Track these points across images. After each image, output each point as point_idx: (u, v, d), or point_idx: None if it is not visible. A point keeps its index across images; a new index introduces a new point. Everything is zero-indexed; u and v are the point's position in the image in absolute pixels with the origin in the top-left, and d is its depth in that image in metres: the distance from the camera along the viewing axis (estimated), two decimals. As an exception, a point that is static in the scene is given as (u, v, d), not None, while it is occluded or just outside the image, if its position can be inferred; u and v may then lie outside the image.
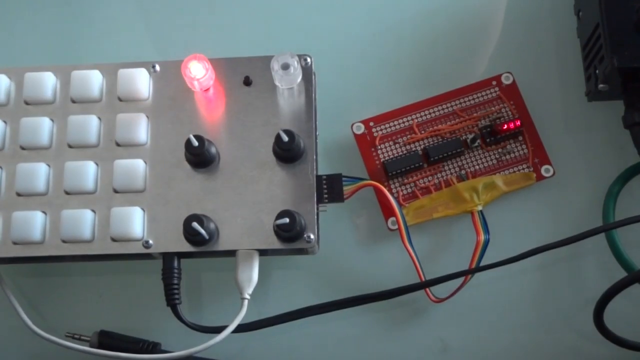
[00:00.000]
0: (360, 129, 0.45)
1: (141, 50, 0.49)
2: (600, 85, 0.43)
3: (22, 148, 0.42)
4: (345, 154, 0.45)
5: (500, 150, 0.45)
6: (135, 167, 0.41)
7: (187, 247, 0.40)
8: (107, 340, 0.42)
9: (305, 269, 0.44)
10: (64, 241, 0.40)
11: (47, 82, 0.42)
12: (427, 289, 0.42)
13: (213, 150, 0.41)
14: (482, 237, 0.42)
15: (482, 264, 0.42)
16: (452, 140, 0.44)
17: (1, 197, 0.41)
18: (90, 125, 0.42)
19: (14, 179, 0.41)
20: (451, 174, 0.44)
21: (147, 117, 0.42)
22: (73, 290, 0.45)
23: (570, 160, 0.45)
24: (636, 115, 0.43)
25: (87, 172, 0.41)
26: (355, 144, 0.45)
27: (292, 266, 0.44)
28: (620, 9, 0.42)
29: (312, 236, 0.40)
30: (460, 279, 0.41)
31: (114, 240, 0.40)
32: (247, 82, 0.42)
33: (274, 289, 0.44)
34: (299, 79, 0.42)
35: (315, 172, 0.41)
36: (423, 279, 0.42)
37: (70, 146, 0.42)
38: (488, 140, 0.45)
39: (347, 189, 0.42)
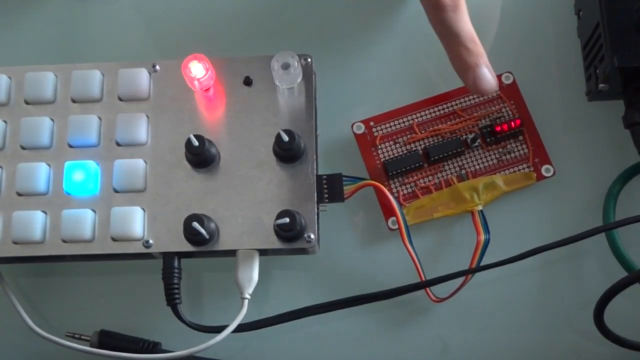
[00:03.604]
0: (360, 129, 0.45)
1: (141, 50, 0.49)
2: (601, 85, 0.43)
3: (23, 148, 0.42)
4: (345, 153, 0.45)
5: (500, 150, 0.45)
6: (136, 167, 0.41)
7: (187, 247, 0.40)
8: (108, 339, 0.42)
9: (305, 269, 0.44)
10: (64, 241, 0.40)
11: (48, 82, 0.42)
12: (427, 289, 0.42)
13: (213, 150, 0.41)
14: (482, 237, 0.42)
15: (482, 263, 0.42)
16: (453, 140, 0.44)
17: (1, 196, 0.41)
18: (90, 125, 0.42)
19: (14, 179, 0.41)
20: (451, 173, 0.45)
21: (148, 117, 0.42)
22: (73, 290, 0.45)
23: (571, 160, 0.45)
24: (636, 115, 0.43)
25: (88, 171, 0.41)
26: (355, 143, 0.45)
27: (292, 266, 0.44)
28: (621, 8, 0.42)
29: (312, 236, 0.40)
30: (461, 279, 0.41)
31: (114, 240, 0.40)
32: (247, 82, 0.42)
33: (274, 289, 0.44)
34: (299, 78, 0.42)
35: (315, 171, 0.41)
36: (423, 279, 0.42)
37: (70, 146, 0.42)
38: (488, 140, 0.45)
39: (347, 188, 0.42)
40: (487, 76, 0.40)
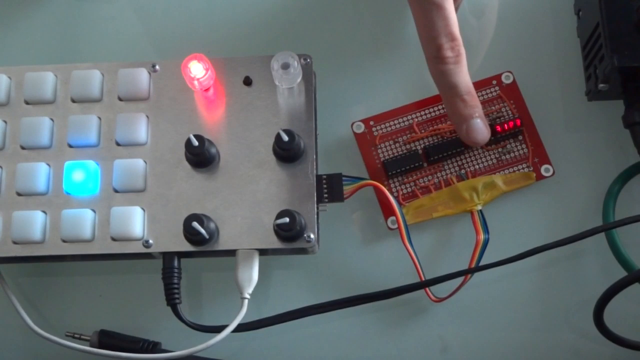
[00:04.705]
0: (360, 128, 0.45)
1: (141, 50, 0.49)
2: (601, 85, 0.43)
3: (23, 148, 0.42)
4: (345, 153, 0.45)
5: (500, 149, 0.45)
6: (136, 167, 0.41)
7: (187, 247, 0.40)
8: (107, 339, 0.42)
9: (305, 268, 0.44)
10: (64, 241, 0.40)
11: (47, 82, 0.43)
12: (427, 289, 0.42)
13: (213, 150, 0.41)
14: (481, 237, 0.42)
15: (481, 263, 0.42)
16: (452, 139, 0.44)
17: (1, 196, 0.41)
18: (90, 125, 0.42)
19: (14, 179, 0.41)
20: (451, 173, 0.45)
21: (147, 116, 0.42)
22: (73, 290, 0.45)
23: (570, 160, 0.45)
24: (636, 114, 0.43)
25: (87, 171, 0.41)
26: (355, 143, 0.45)
27: (292, 266, 0.44)
28: (620, 8, 0.42)
29: (312, 236, 0.40)
30: (460, 279, 0.41)
31: (114, 239, 0.40)
32: (247, 81, 0.43)
33: (274, 288, 0.44)
34: (299, 78, 0.42)
35: (315, 171, 0.41)
36: (423, 279, 0.42)
37: (70, 146, 0.42)
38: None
39: (347, 188, 0.42)
40: (481, 128, 0.42)
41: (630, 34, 0.41)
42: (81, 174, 0.41)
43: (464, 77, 0.41)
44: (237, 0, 0.49)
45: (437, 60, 0.40)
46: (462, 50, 0.41)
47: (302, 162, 0.41)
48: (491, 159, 0.45)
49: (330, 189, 0.41)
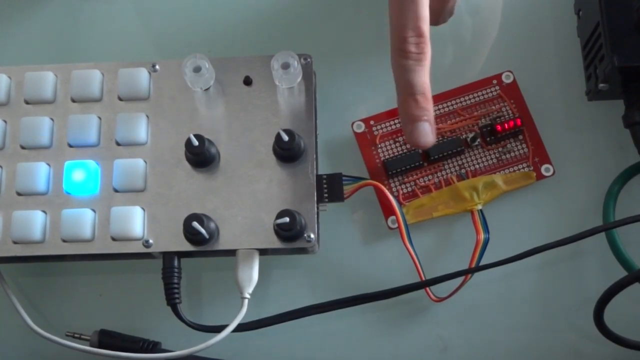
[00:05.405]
0: (360, 128, 0.45)
1: (141, 50, 0.49)
2: (601, 85, 0.43)
3: (23, 147, 0.42)
4: (345, 152, 0.45)
5: (500, 149, 0.45)
6: (136, 167, 0.41)
7: (187, 247, 0.40)
8: (107, 339, 0.42)
9: (305, 268, 0.44)
10: (64, 240, 0.40)
11: (48, 82, 0.43)
12: (427, 288, 0.42)
13: (213, 149, 0.41)
14: (482, 236, 0.42)
15: (482, 263, 0.42)
16: (453, 139, 0.44)
17: (1, 196, 0.41)
18: (90, 124, 0.42)
19: (14, 179, 0.41)
20: (451, 172, 0.45)
21: (147, 116, 0.42)
22: (73, 289, 0.45)
23: (571, 160, 0.45)
24: (636, 114, 0.43)
25: (87, 171, 0.41)
26: (355, 142, 0.45)
27: (292, 266, 0.44)
28: (621, 8, 0.42)
29: (312, 235, 0.40)
30: (460, 279, 0.41)
31: (114, 239, 0.40)
32: (247, 81, 0.43)
33: (274, 288, 0.44)
34: (299, 78, 0.42)
35: (315, 171, 0.41)
36: (423, 278, 0.42)
37: (70, 145, 0.42)
38: (488, 139, 0.45)
39: (347, 188, 0.42)
40: (426, 132, 0.40)
41: (630, 34, 0.41)
42: (81, 173, 0.41)
43: (423, 77, 0.39)
44: (237, 0, 0.49)
45: (398, 53, 0.39)
46: (428, 50, 0.39)
47: (302, 161, 0.41)
48: (491, 159, 0.45)
49: (330, 188, 0.41)
